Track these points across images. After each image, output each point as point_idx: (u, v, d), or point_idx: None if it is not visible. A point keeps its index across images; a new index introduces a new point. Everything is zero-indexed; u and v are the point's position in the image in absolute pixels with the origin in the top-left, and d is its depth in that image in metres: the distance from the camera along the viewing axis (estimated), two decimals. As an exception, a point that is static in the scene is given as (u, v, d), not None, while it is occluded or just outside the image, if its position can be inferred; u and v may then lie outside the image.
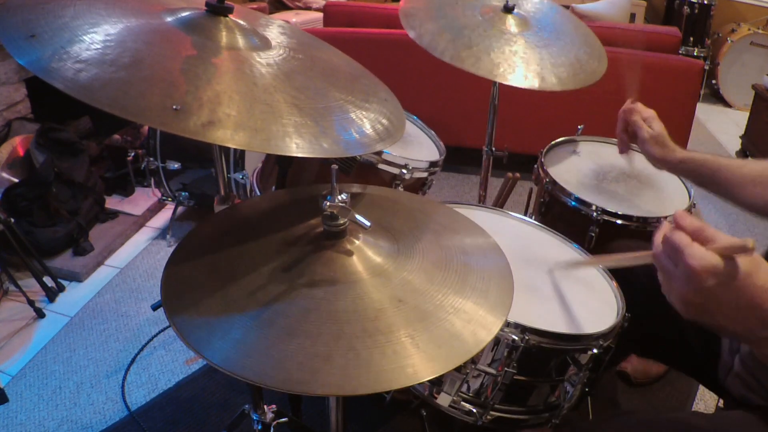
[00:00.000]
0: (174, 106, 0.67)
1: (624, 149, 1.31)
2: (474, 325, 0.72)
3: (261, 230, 0.84)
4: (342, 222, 0.78)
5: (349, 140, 0.80)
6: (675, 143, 1.21)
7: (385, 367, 0.64)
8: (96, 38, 0.72)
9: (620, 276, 1.17)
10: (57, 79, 0.64)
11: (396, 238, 0.85)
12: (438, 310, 0.73)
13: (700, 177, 1.15)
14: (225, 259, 0.79)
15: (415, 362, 0.65)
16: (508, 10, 1.42)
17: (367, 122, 0.85)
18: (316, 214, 0.82)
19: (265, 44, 0.89)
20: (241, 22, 0.87)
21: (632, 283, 1.14)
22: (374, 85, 0.99)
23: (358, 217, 0.78)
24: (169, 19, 0.83)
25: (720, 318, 0.64)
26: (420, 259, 0.81)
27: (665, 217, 1.38)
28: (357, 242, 0.80)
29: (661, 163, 1.22)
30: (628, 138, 1.28)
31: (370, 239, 0.82)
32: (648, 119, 1.22)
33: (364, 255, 0.79)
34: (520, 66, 1.32)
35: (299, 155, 0.71)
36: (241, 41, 0.84)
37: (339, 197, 0.77)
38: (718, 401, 1.55)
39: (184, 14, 0.84)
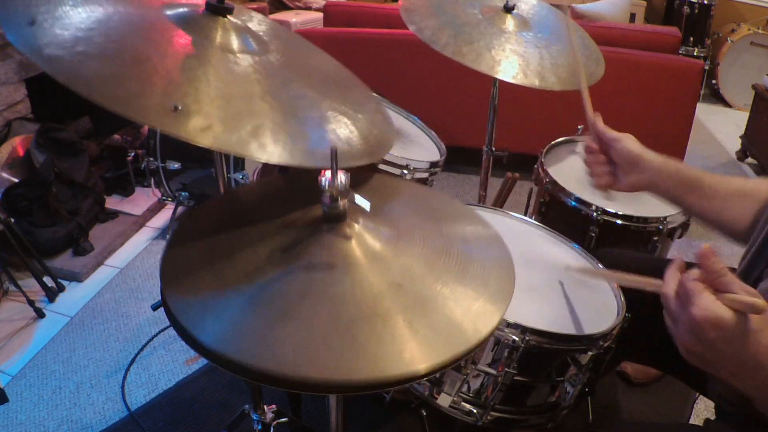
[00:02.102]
0: (175, 106, 0.67)
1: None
2: (474, 313, 0.71)
3: (261, 212, 0.84)
4: (342, 204, 0.78)
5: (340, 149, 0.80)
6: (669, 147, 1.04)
7: (382, 353, 0.63)
8: (95, 33, 0.72)
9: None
10: (57, 68, 0.64)
11: (396, 224, 0.84)
12: (437, 296, 0.72)
13: (680, 183, 0.96)
14: (224, 240, 0.78)
15: (413, 348, 0.64)
16: (508, 10, 1.43)
17: (357, 133, 0.86)
18: (317, 200, 0.81)
19: (262, 48, 0.89)
20: (240, 23, 0.87)
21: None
22: (366, 98, 0.99)
23: (358, 197, 0.77)
24: (169, 16, 0.83)
25: (721, 371, 0.60)
26: (420, 245, 0.80)
27: (665, 218, 1.38)
28: (357, 227, 0.79)
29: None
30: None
31: (370, 224, 0.80)
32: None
33: (364, 239, 0.78)
34: (521, 64, 1.32)
35: (289, 164, 0.72)
36: (236, 43, 0.84)
37: (339, 178, 0.76)
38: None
39: (184, 13, 0.84)
